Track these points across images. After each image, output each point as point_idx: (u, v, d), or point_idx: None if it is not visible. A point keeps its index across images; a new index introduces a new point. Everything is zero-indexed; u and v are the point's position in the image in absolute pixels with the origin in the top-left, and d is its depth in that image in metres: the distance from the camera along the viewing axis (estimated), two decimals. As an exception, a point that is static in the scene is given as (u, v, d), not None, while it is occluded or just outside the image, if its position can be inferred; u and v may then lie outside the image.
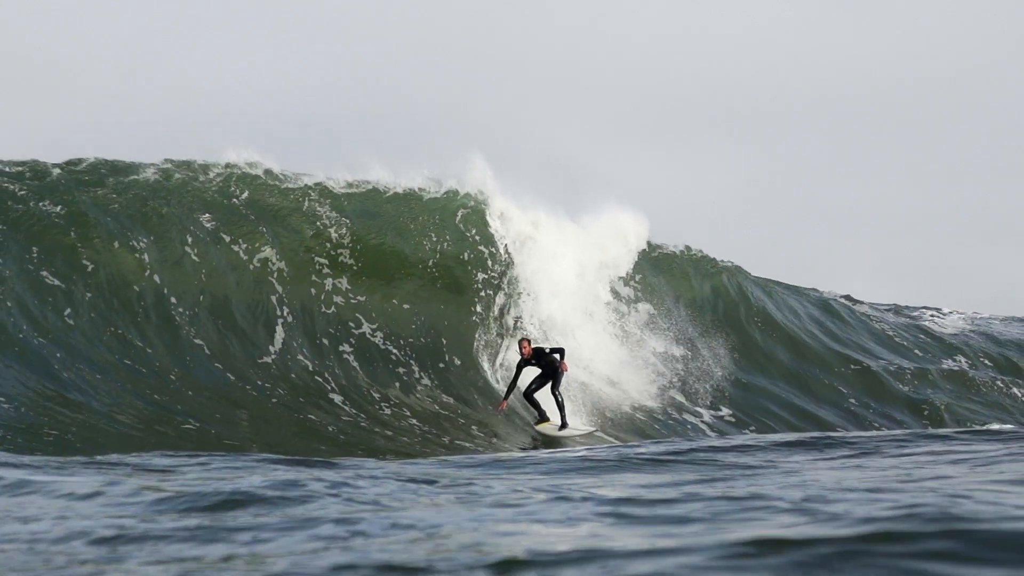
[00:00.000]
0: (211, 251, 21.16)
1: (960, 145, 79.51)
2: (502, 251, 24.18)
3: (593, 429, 20.34)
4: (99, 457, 8.79)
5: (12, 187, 20.09)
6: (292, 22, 79.70)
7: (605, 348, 25.01)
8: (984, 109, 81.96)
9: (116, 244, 19.94)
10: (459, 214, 24.33)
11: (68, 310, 18.31)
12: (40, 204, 19.93)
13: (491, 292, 23.57)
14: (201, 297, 20.17)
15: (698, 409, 24.26)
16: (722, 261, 29.50)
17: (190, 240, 20.95)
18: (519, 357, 19.72)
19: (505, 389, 20.60)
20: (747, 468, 8.51)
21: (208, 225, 21.57)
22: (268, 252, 21.72)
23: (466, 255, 23.80)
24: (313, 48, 79.07)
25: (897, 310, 35.53)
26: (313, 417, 18.37)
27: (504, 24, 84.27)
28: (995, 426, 27.74)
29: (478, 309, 23.14)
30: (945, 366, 29.88)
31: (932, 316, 35.06)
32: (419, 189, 24.47)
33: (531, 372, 19.95)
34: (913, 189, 75.56)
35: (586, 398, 22.53)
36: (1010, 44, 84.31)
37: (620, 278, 26.81)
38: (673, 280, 28.27)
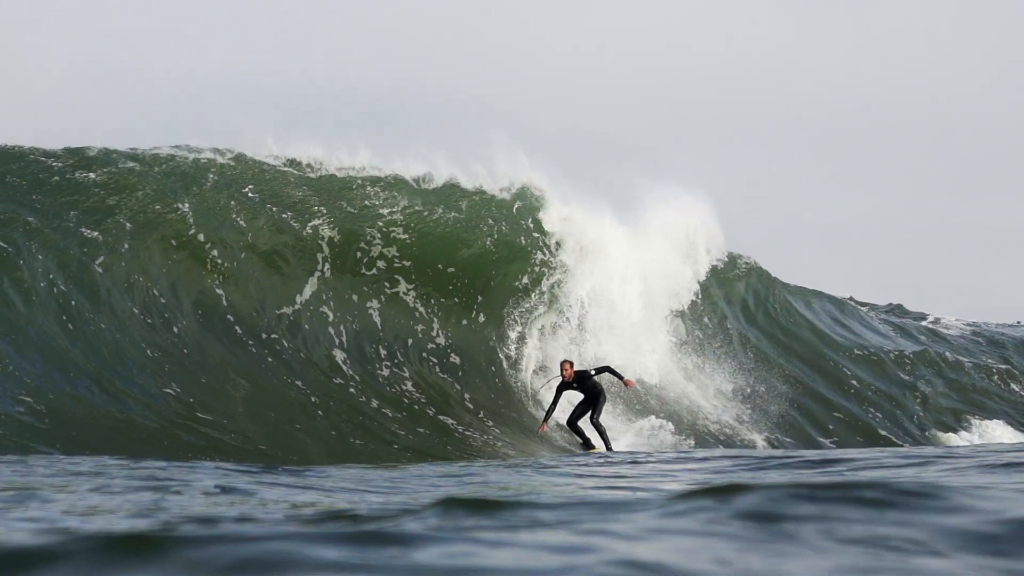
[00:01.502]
0: (258, 215, 20.15)
1: (956, 158, 78.98)
2: (552, 245, 22.39)
3: (638, 452, 18.16)
4: (61, 457, 8.79)
5: (47, 161, 19.10)
6: (290, 15, 78.20)
7: (657, 354, 23.14)
8: (977, 125, 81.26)
9: (158, 207, 19.06)
10: (516, 205, 22.81)
11: (100, 259, 17.42)
12: (78, 173, 19.02)
13: (539, 269, 22.12)
14: (243, 255, 19.27)
15: (744, 415, 23.12)
16: (748, 260, 28.32)
17: (234, 205, 20.06)
18: (560, 379, 17.93)
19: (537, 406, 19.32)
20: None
21: (253, 196, 20.59)
22: (318, 221, 20.67)
23: (522, 239, 22.39)
24: (311, 41, 77.66)
25: (901, 313, 35.56)
26: (300, 384, 17.40)
27: (507, 29, 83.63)
28: (989, 423, 27.85)
29: (524, 281, 21.85)
30: (947, 362, 29.14)
31: (932, 318, 35.09)
32: (460, 182, 22.77)
33: (565, 395, 18.26)
34: (906, 201, 75.14)
35: (631, 413, 21.06)
36: (1011, 54, 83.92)
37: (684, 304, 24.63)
38: (712, 279, 26.77)
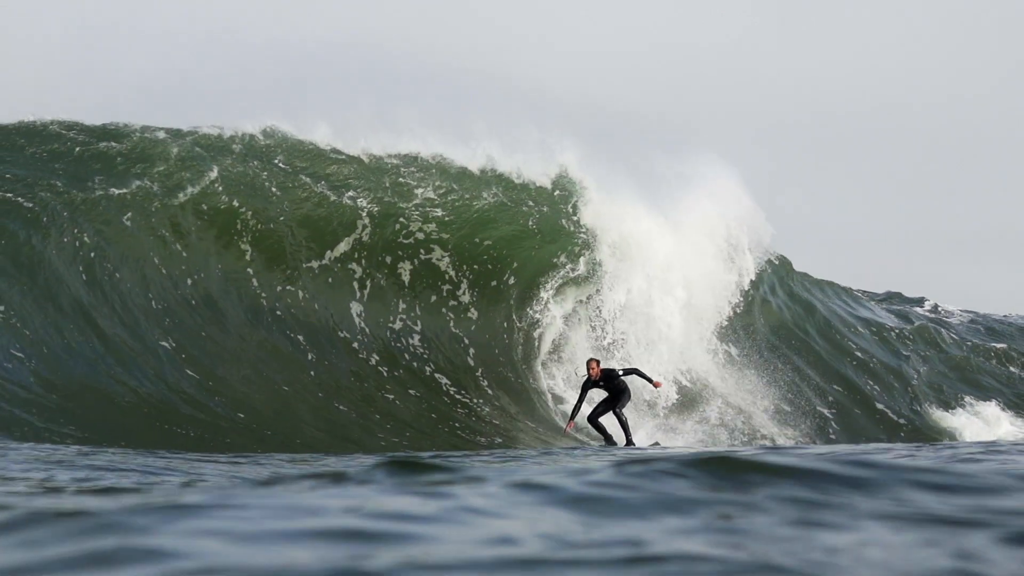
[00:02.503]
0: (293, 185, 19.39)
1: (955, 159, 77.50)
2: (587, 234, 21.13)
3: (656, 444, 17.71)
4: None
5: (68, 133, 18.48)
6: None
7: (696, 361, 21.70)
8: (975, 126, 79.72)
9: (186, 174, 18.53)
10: (556, 194, 21.66)
11: (128, 214, 17.06)
12: (102, 144, 18.42)
13: (576, 251, 21.01)
14: (282, 218, 18.73)
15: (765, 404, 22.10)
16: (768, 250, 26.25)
17: (265, 175, 19.36)
18: (586, 376, 16.79)
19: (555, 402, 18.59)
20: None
21: (285, 167, 19.83)
22: (355, 193, 19.87)
23: (564, 222, 21.28)
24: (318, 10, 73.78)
25: (900, 300, 35.21)
26: (302, 339, 16.90)
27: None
28: (983, 404, 27.63)
29: (562, 259, 20.83)
30: (945, 343, 28.88)
31: (931, 304, 34.81)
32: (497, 164, 21.44)
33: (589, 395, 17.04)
34: (902, 201, 73.99)
35: (660, 419, 19.91)
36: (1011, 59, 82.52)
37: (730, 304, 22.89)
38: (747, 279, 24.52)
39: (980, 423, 25.37)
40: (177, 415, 13.32)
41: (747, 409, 21.62)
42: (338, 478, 4.85)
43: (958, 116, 78.20)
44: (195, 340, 15.44)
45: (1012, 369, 29.18)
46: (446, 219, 20.45)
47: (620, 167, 21.82)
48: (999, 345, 29.91)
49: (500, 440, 16.20)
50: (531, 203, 21.27)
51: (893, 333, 27.98)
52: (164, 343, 14.93)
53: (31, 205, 16.16)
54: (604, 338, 20.69)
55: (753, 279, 23.86)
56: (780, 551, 3.51)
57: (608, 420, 16.95)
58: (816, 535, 3.75)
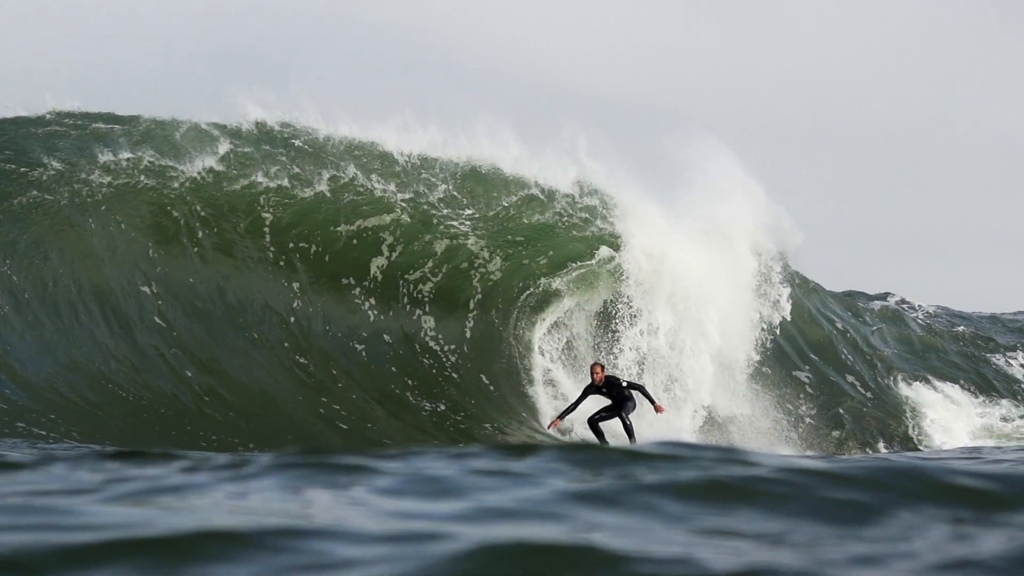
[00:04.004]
0: (309, 168, 18.79)
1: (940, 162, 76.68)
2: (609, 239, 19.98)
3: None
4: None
5: (75, 121, 18.17)
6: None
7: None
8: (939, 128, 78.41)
9: (192, 151, 18.11)
10: (583, 200, 20.37)
11: (136, 182, 16.95)
12: (104, 125, 18.10)
13: (605, 253, 19.75)
14: (290, 201, 18.34)
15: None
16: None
17: (296, 170, 18.79)
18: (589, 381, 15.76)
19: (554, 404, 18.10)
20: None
21: (303, 146, 19.28)
22: (377, 174, 19.21)
23: (594, 224, 20.12)
24: None
25: (865, 299, 35.07)
26: (297, 285, 16.94)
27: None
28: (944, 384, 27.75)
29: (598, 252, 19.80)
30: (912, 329, 29.52)
31: (898, 297, 34.91)
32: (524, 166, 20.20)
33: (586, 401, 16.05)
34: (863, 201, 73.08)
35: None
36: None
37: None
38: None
39: (947, 401, 26.00)
40: (128, 382, 13.32)
41: (765, 429, 20.68)
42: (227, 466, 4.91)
43: (922, 118, 77.41)
44: (182, 292, 15.47)
45: (976, 352, 29.68)
46: (470, 214, 19.63)
47: (628, 161, 20.42)
48: (963, 329, 30.41)
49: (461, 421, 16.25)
50: (558, 204, 20.09)
51: (866, 315, 28.22)
52: (146, 288, 14.81)
53: (36, 175, 16.15)
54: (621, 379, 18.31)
55: (788, 317, 21.78)
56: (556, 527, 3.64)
57: (609, 427, 16.02)
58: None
